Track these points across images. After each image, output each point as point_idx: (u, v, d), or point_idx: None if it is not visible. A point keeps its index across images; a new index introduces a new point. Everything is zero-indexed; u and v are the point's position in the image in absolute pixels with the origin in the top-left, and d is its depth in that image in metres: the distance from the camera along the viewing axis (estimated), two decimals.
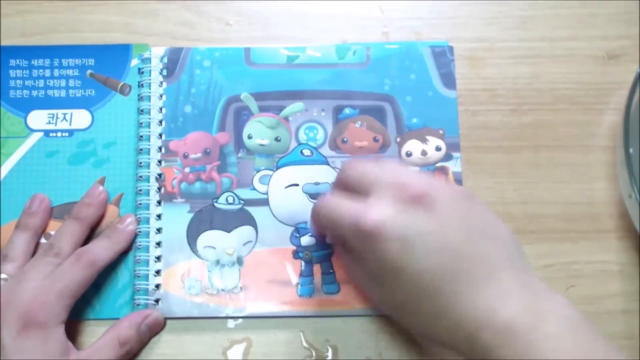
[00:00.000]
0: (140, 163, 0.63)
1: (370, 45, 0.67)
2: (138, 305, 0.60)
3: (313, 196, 0.63)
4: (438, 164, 0.64)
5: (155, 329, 0.60)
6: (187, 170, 0.64)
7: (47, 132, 0.65)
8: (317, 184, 0.63)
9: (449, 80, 0.66)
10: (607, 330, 0.60)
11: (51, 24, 0.68)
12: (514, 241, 0.51)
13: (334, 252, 0.62)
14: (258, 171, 0.64)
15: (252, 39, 0.68)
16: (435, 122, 0.65)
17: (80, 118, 0.65)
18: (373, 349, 0.60)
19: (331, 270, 0.61)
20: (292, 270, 0.62)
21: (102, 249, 0.59)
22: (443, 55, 0.67)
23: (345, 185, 0.54)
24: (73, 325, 0.60)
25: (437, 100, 0.66)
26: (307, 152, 0.64)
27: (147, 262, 0.61)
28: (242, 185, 0.64)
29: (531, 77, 0.67)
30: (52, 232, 0.61)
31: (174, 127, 0.65)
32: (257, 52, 0.67)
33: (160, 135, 0.64)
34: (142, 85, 0.65)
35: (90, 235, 0.62)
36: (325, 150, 0.65)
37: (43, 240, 0.62)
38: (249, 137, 0.65)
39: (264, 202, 0.63)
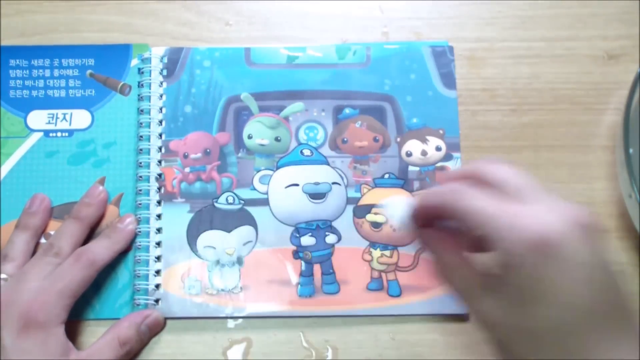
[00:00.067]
0: (140, 163, 0.63)
1: (370, 45, 0.67)
2: (138, 305, 0.60)
3: (313, 196, 0.63)
4: (438, 164, 0.64)
5: (156, 329, 0.60)
6: (187, 170, 0.64)
7: (47, 132, 0.65)
8: (317, 183, 0.63)
9: (449, 80, 0.66)
10: None
11: (51, 24, 0.68)
12: None
13: (333, 252, 0.62)
14: (258, 171, 0.64)
15: (252, 39, 0.68)
16: (435, 122, 0.65)
17: (80, 118, 0.65)
18: (373, 349, 0.60)
19: (331, 270, 0.62)
20: (292, 270, 0.62)
21: (101, 249, 0.59)
22: (443, 55, 0.67)
23: (480, 181, 0.45)
24: (73, 325, 0.60)
25: (437, 100, 0.66)
26: (307, 152, 0.64)
27: (147, 262, 0.61)
28: (242, 185, 0.64)
29: (531, 77, 0.67)
30: (52, 232, 0.61)
31: (174, 127, 0.65)
32: (257, 52, 0.67)
33: (160, 135, 0.64)
34: (142, 85, 0.65)
35: (90, 235, 0.62)
36: (326, 150, 0.65)
37: (43, 241, 0.62)
38: (249, 137, 0.65)
39: (264, 202, 0.63)
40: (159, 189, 0.63)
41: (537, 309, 0.41)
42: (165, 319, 0.61)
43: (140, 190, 0.63)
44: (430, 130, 0.65)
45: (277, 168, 0.64)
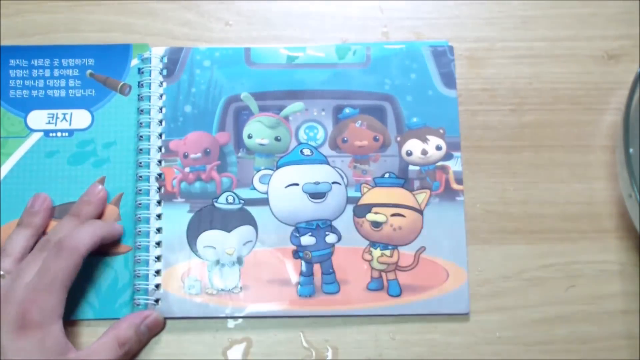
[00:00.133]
0: (140, 163, 0.63)
1: (370, 45, 0.67)
2: (138, 305, 0.60)
3: (313, 195, 0.63)
4: (439, 163, 0.64)
5: (155, 329, 0.60)
6: (187, 170, 0.64)
7: (47, 132, 0.65)
8: (317, 183, 0.63)
9: (449, 79, 0.66)
10: (607, 330, 0.60)
11: (51, 24, 0.68)
12: None
13: (333, 252, 0.62)
14: (258, 171, 0.64)
15: (252, 39, 0.68)
16: (435, 122, 0.65)
17: (80, 118, 0.65)
18: (373, 349, 0.60)
19: (331, 270, 0.61)
20: (292, 270, 0.62)
21: (82, 234, 0.57)
22: (443, 55, 0.67)
23: None
24: (73, 325, 0.60)
25: (437, 99, 0.66)
26: (307, 151, 0.64)
27: (147, 262, 0.61)
28: (242, 185, 0.64)
29: (531, 77, 0.67)
30: None
31: (174, 127, 0.65)
32: (257, 52, 0.67)
33: (160, 135, 0.64)
34: (142, 85, 0.65)
35: None
36: (326, 150, 0.65)
37: None
38: (249, 136, 0.65)
39: (264, 202, 0.63)
40: (159, 188, 0.63)
41: None
42: (165, 319, 0.61)
43: (140, 190, 0.63)
44: (431, 130, 0.65)
45: (277, 168, 0.64)
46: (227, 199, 0.63)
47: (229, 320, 0.61)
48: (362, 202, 0.63)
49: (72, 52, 0.67)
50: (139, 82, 0.66)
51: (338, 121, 0.65)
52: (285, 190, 0.63)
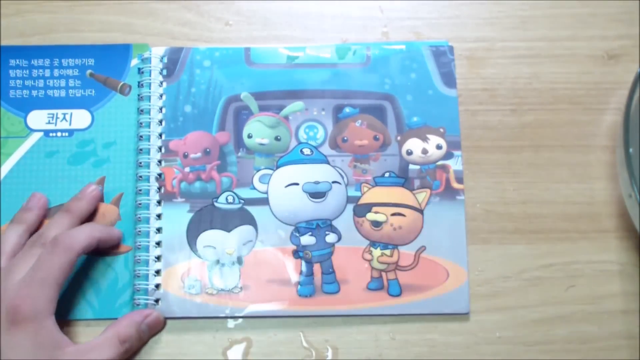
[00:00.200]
0: (140, 163, 0.63)
1: (370, 45, 0.67)
2: (138, 305, 0.60)
3: (313, 195, 0.63)
4: (439, 162, 0.64)
5: (156, 328, 0.60)
6: (187, 169, 0.64)
7: (47, 132, 0.65)
8: (317, 182, 0.63)
9: (449, 79, 0.66)
10: (607, 330, 0.60)
11: (51, 24, 0.68)
12: None
13: (333, 251, 0.62)
14: (258, 170, 0.64)
15: (252, 39, 0.68)
16: (435, 121, 0.65)
17: (80, 118, 0.65)
18: (373, 349, 0.60)
19: (331, 270, 0.61)
20: (292, 270, 0.62)
21: (78, 233, 0.57)
22: (443, 55, 0.67)
23: None
24: (73, 325, 0.60)
25: (437, 99, 0.66)
26: (307, 151, 0.64)
27: (147, 262, 0.61)
28: (242, 185, 0.64)
29: (531, 77, 0.67)
30: None
31: (174, 127, 0.65)
32: (257, 52, 0.67)
33: (160, 135, 0.64)
34: (142, 85, 0.65)
35: None
36: (326, 149, 0.65)
37: None
38: (249, 136, 0.65)
39: (264, 202, 0.63)
40: (159, 188, 0.63)
41: None
42: (166, 318, 0.61)
43: (140, 190, 0.63)
44: (431, 129, 0.65)
45: (277, 167, 0.64)
46: (227, 199, 0.63)
47: (229, 320, 0.61)
48: (362, 201, 0.63)
49: (72, 52, 0.67)
50: (139, 82, 0.66)
51: (338, 120, 0.65)
52: (285, 189, 0.63)
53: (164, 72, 0.66)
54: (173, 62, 0.66)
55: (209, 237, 0.62)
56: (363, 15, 0.69)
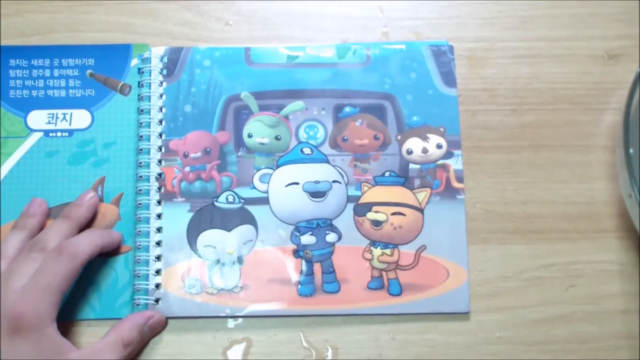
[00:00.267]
0: (140, 163, 0.63)
1: (370, 45, 0.67)
2: (138, 305, 0.60)
3: (313, 195, 0.63)
4: (439, 162, 0.64)
5: (157, 329, 0.60)
6: (187, 169, 0.64)
7: (47, 132, 0.65)
8: (317, 182, 0.63)
9: (449, 78, 0.66)
10: (607, 330, 0.60)
11: (51, 24, 0.68)
12: None
13: (334, 251, 0.62)
14: (258, 170, 0.64)
15: (252, 39, 0.68)
16: (435, 120, 0.65)
17: (80, 118, 0.65)
18: (373, 349, 0.60)
19: (331, 269, 0.61)
20: (292, 269, 0.61)
21: (83, 241, 0.57)
22: (443, 54, 0.67)
23: None
24: (73, 326, 0.60)
25: (437, 98, 0.66)
26: (307, 150, 0.64)
27: (147, 262, 0.61)
28: (242, 184, 0.64)
29: (531, 77, 0.67)
30: None
31: (174, 127, 0.65)
32: (257, 52, 0.67)
33: (160, 134, 0.64)
34: (142, 85, 0.65)
35: None
36: (326, 149, 0.65)
37: None
38: (249, 135, 0.65)
39: (264, 201, 0.63)
40: (159, 188, 0.63)
41: None
42: (167, 318, 0.61)
43: (140, 190, 0.63)
44: (431, 128, 0.65)
45: (277, 167, 0.64)
46: (227, 198, 0.63)
47: (229, 320, 0.61)
48: (362, 200, 0.63)
49: (72, 52, 0.67)
50: (139, 82, 0.66)
51: (338, 120, 0.65)
52: (286, 189, 0.63)
53: (164, 72, 0.66)
54: (173, 62, 0.66)
55: (209, 237, 0.62)
56: (363, 15, 0.69)
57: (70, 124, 0.65)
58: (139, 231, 0.62)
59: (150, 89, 0.65)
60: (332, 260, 0.62)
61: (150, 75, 0.65)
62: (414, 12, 0.69)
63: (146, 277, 0.61)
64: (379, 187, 0.64)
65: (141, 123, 0.64)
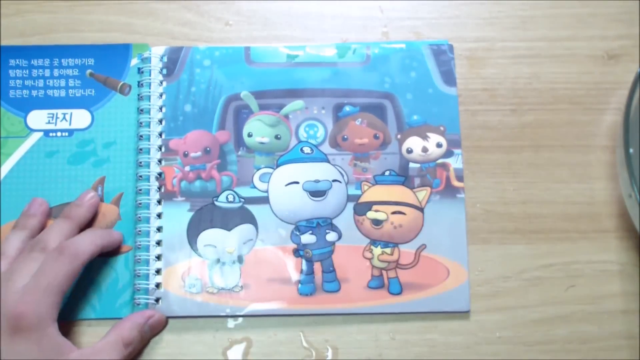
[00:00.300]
0: (140, 162, 0.63)
1: (370, 44, 0.67)
2: (138, 304, 0.60)
3: (313, 194, 0.63)
4: (439, 161, 0.64)
5: (157, 328, 0.60)
6: (187, 168, 0.64)
7: (47, 132, 0.65)
8: (317, 181, 0.63)
9: (449, 77, 0.66)
10: (607, 330, 0.60)
11: (51, 24, 0.68)
12: None
13: (334, 250, 0.62)
14: (258, 169, 0.64)
15: (252, 39, 0.68)
16: (435, 119, 0.65)
17: (80, 118, 0.65)
18: (373, 349, 0.60)
19: (332, 269, 0.61)
20: (292, 269, 0.61)
21: (84, 241, 0.57)
22: (443, 54, 0.67)
23: None
24: (74, 326, 0.60)
25: (437, 97, 0.66)
26: (307, 149, 0.64)
27: (147, 262, 0.61)
28: (242, 184, 0.64)
29: (531, 77, 0.67)
30: None
31: (174, 126, 0.65)
32: (257, 51, 0.67)
33: (160, 134, 0.64)
34: (142, 84, 0.65)
35: None
36: (326, 148, 0.65)
37: None
38: (249, 135, 0.65)
39: (264, 200, 0.63)
40: (159, 188, 0.63)
41: None
42: (167, 318, 0.60)
43: (140, 189, 0.63)
44: (431, 127, 0.65)
45: (277, 166, 0.64)
46: (227, 198, 0.63)
47: (229, 320, 0.61)
48: (362, 200, 0.63)
49: (72, 52, 0.67)
50: (138, 82, 0.66)
51: (338, 119, 0.65)
52: (286, 188, 0.63)
53: (164, 71, 0.66)
54: (173, 62, 0.66)
55: (210, 236, 0.62)
56: (363, 15, 0.69)
57: (70, 124, 0.65)
58: (139, 231, 0.62)
59: (150, 88, 0.65)
60: (332, 259, 0.62)
61: (150, 75, 0.65)
62: (414, 12, 0.69)
63: (146, 277, 0.61)
64: (379, 186, 0.64)
65: (141, 123, 0.64)
